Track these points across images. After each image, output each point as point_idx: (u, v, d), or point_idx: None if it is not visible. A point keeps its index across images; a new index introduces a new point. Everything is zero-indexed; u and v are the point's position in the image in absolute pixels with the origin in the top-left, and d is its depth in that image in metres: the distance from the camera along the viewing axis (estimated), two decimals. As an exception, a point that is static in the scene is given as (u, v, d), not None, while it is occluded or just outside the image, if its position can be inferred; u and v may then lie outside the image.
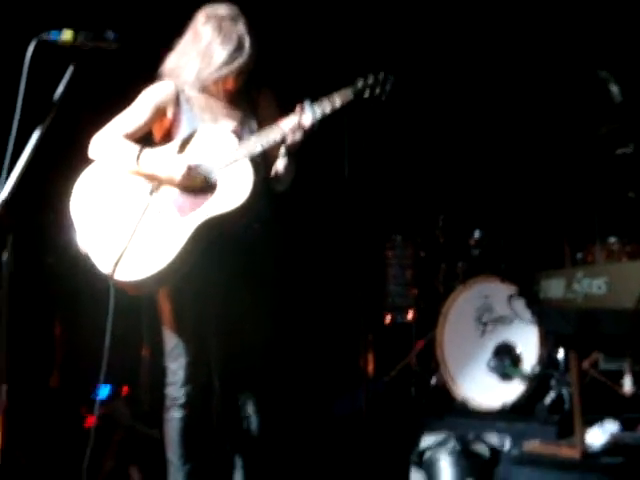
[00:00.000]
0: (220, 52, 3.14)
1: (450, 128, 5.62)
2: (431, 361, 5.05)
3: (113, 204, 3.17)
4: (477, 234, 5.14)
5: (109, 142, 3.16)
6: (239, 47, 3.15)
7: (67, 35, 2.82)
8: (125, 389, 5.00)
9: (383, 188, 5.63)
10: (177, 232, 3.06)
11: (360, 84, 3.11)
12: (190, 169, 3.09)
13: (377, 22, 5.44)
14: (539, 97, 5.29)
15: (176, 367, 3.21)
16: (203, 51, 3.16)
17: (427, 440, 4.14)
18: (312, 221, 5.43)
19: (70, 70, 2.82)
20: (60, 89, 2.80)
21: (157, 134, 3.27)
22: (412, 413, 4.84)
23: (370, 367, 5.35)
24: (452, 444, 3.96)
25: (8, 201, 2.68)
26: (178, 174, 3.09)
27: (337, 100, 3.09)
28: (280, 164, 3.24)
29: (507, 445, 4.08)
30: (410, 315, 5.38)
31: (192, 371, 3.20)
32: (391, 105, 3.12)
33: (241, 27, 3.17)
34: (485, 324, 4.79)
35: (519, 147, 5.38)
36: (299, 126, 3.10)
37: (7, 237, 2.71)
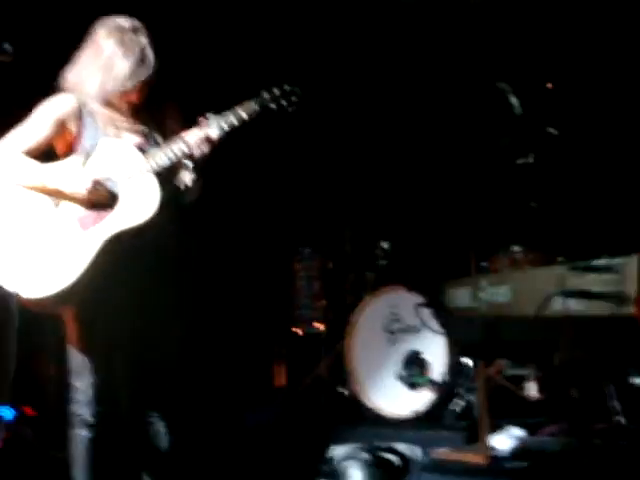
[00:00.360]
0: (123, 65, 3.10)
1: (356, 138, 5.66)
2: (342, 371, 5.06)
3: (14, 221, 3.09)
4: (384, 244, 5.19)
5: (7, 158, 3.08)
6: (142, 60, 3.12)
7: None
8: (28, 410, 4.87)
9: (290, 200, 5.64)
10: (82, 248, 3.01)
11: (265, 96, 3.10)
12: (96, 183, 3.04)
13: (282, 32, 5.45)
14: (442, 108, 5.37)
15: (82, 385, 3.15)
16: (105, 64, 3.12)
17: (337, 450, 4.15)
18: (221, 234, 5.39)
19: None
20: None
21: (59, 148, 3.20)
22: (323, 423, 4.84)
23: (282, 379, 5.34)
24: (363, 454, 3.98)
25: None
26: (83, 188, 3.04)
27: (242, 113, 3.07)
28: (187, 177, 3.21)
29: (418, 454, 4.12)
30: (320, 326, 5.39)
31: (99, 390, 3.14)
32: (299, 115, 3.13)
33: (143, 39, 3.14)
34: (393, 333, 4.83)
35: (424, 158, 5.45)
36: (204, 139, 3.08)
37: None
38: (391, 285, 4.92)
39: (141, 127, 3.21)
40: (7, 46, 2.85)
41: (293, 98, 3.10)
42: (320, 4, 5.37)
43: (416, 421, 4.61)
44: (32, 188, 3.09)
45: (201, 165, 3.17)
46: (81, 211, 3.07)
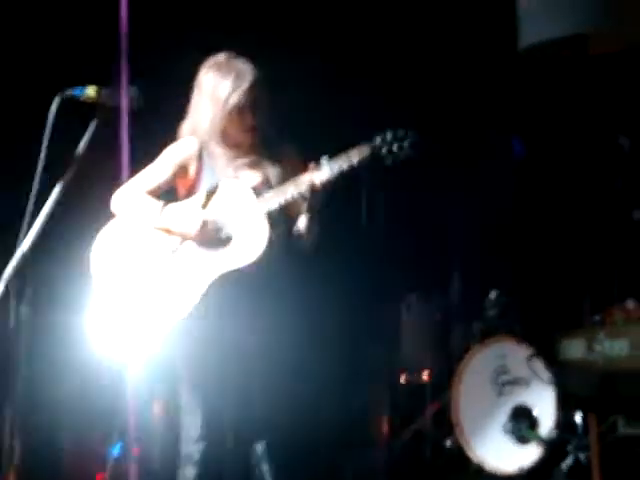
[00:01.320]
0: (223, 85, 3.17)
1: (463, 184, 5.61)
2: (446, 423, 4.99)
3: (133, 259, 3.19)
4: (493, 294, 5.11)
5: (130, 197, 3.20)
6: (240, 75, 3.18)
7: (90, 91, 2.85)
8: (136, 449, 4.94)
9: (399, 247, 5.61)
10: (192, 286, 3.06)
11: (378, 141, 3.08)
12: (205, 224, 3.10)
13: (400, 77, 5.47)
14: (553, 155, 5.30)
15: (191, 423, 3.18)
16: (210, 95, 3.20)
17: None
18: (328, 278, 5.40)
19: (92, 126, 2.84)
20: (82, 145, 2.82)
21: (181, 190, 3.31)
22: (427, 476, 4.77)
23: (386, 428, 5.28)
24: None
25: (27, 254, 2.69)
26: (193, 229, 3.11)
27: (354, 157, 3.07)
28: (301, 222, 3.23)
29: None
30: (425, 376, 5.33)
31: (207, 427, 3.17)
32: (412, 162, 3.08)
33: (239, 61, 3.22)
34: (501, 385, 4.74)
35: (537, 206, 5.37)
36: (317, 183, 3.09)
37: (26, 289, 2.71)
38: (499, 336, 4.84)
39: (260, 168, 3.26)
40: (135, 90, 2.93)
41: (406, 144, 3.06)
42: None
43: (522, 477, 4.50)
44: (144, 224, 3.20)
45: (316, 210, 3.18)
46: (195, 252, 3.13)
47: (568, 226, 4.95)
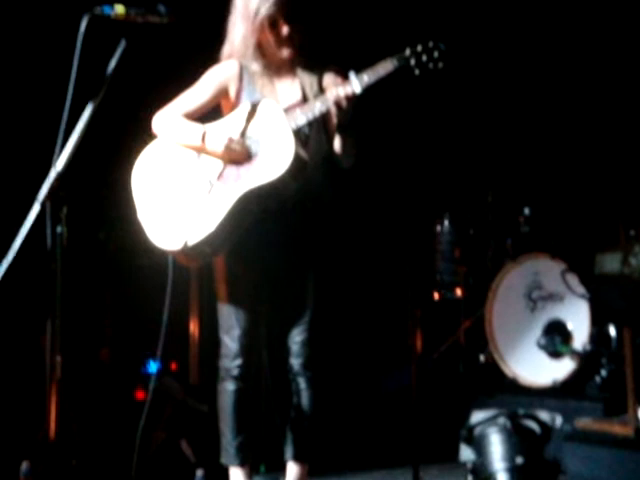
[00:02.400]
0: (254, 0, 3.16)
1: (500, 103, 5.55)
2: (480, 338, 5.02)
3: (170, 180, 3.23)
4: (526, 211, 5.08)
5: (169, 120, 3.24)
6: None
7: (119, 9, 2.84)
8: (174, 365, 5.04)
9: (432, 164, 5.58)
10: (220, 203, 3.10)
11: (407, 53, 3.05)
12: (231, 141, 3.11)
13: None
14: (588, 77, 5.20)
15: (229, 339, 3.24)
16: (242, 11, 3.21)
17: (477, 416, 4.10)
18: (362, 198, 5.40)
19: (122, 45, 2.83)
20: (112, 64, 2.81)
21: (225, 111, 3.33)
22: (461, 390, 4.81)
23: (419, 344, 5.33)
24: (502, 420, 3.92)
25: (63, 174, 2.71)
26: (220, 146, 3.13)
27: (381, 70, 3.03)
28: (336, 139, 3.22)
29: (558, 422, 4.04)
30: (459, 292, 5.35)
31: (245, 343, 3.23)
32: (442, 77, 3.06)
33: None
34: (535, 301, 4.74)
35: (570, 122, 5.30)
36: (344, 97, 3.06)
37: (61, 210, 2.73)
38: (533, 252, 4.83)
39: (299, 89, 3.26)
40: (162, 7, 2.91)
41: (436, 54, 3.01)
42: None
43: (556, 390, 4.53)
44: (181, 145, 3.23)
45: (347, 125, 3.16)
46: (223, 168, 3.15)
47: (603, 142, 4.89)
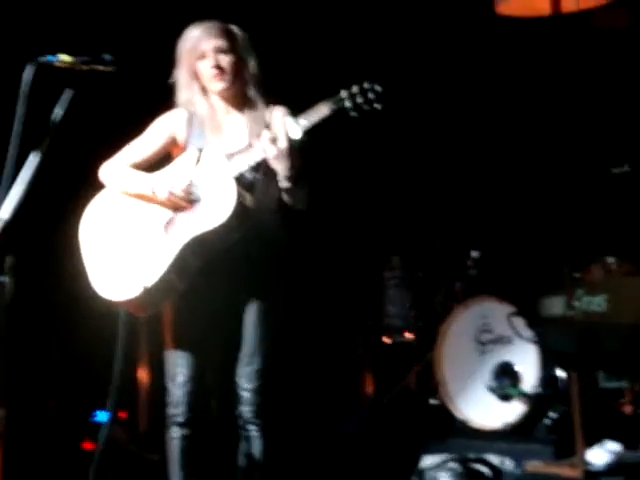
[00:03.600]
0: (190, 39, 3.19)
1: (446, 145, 5.61)
2: (430, 382, 5.03)
3: (118, 230, 3.22)
4: (474, 254, 5.14)
5: (116, 170, 3.25)
6: (205, 28, 3.18)
7: (64, 57, 2.85)
8: (123, 413, 4.98)
9: (380, 207, 5.62)
10: (166, 250, 3.08)
11: (343, 95, 2.96)
12: (173, 189, 3.11)
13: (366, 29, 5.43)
14: (533, 112, 5.30)
15: (173, 386, 3.21)
16: (179, 57, 3.22)
17: (428, 460, 4.12)
18: (312, 239, 5.42)
19: (67, 93, 2.84)
20: (58, 112, 2.81)
21: (175, 156, 3.31)
22: (412, 434, 4.81)
23: (370, 388, 5.33)
24: (453, 465, 3.94)
25: (8, 222, 2.69)
26: (163, 194, 3.12)
27: (315, 115, 2.97)
28: (282, 183, 3.18)
29: (508, 465, 4.06)
30: (409, 336, 5.36)
31: (189, 390, 3.19)
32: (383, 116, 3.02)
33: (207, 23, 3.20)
34: (484, 344, 4.78)
35: (516, 166, 5.38)
36: (279, 140, 3.00)
37: (7, 259, 2.70)
38: (482, 295, 4.87)
39: (247, 127, 3.23)
40: (107, 56, 2.93)
41: (371, 95, 2.92)
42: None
43: (507, 433, 4.55)
44: (129, 194, 3.23)
45: (290, 177, 3.09)
46: (168, 216, 3.15)
47: (548, 184, 4.97)
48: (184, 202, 3.12)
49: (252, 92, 3.25)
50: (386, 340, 5.46)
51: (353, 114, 2.95)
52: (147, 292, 3.06)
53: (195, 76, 3.23)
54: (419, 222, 5.63)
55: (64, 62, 2.85)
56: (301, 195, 3.19)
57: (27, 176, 2.74)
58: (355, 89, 2.97)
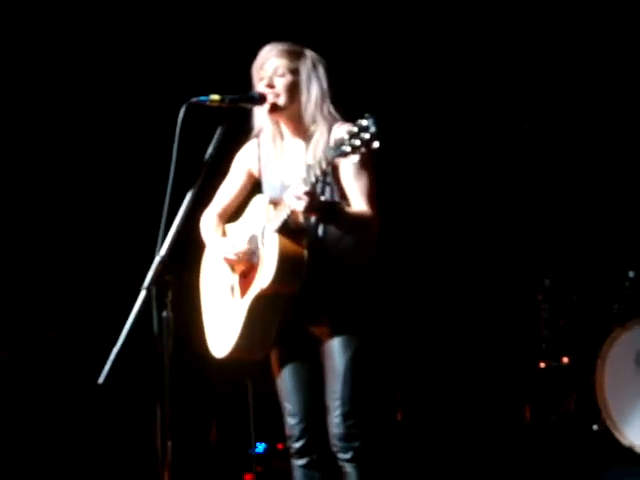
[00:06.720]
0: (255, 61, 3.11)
1: (605, 167, 5.47)
2: (591, 407, 4.88)
3: (214, 284, 3.26)
4: (631, 274, 4.98)
5: (204, 222, 3.27)
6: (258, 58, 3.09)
7: (215, 97, 2.93)
8: (280, 445, 5.02)
9: (532, 229, 5.53)
10: (237, 312, 3.06)
11: (344, 137, 2.68)
12: (227, 253, 3.11)
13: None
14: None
15: (288, 423, 3.16)
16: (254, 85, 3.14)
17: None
18: (462, 265, 5.37)
19: (220, 130, 2.92)
20: (210, 150, 2.89)
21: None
22: (572, 461, 4.69)
23: (527, 414, 5.21)
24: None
25: (166, 260, 2.77)
26: (228, 259, 3.13)
27: (317, 169, 2.77)
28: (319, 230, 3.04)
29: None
30: (565, 360, 5.23)
31: (299, 427, 3.13)
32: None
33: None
34: (647, 367, 4.62)
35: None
36: (298, 196, 2.81)
37: (167, 296, 2.78)
38: (641, 316, 4.70)
39: (305, 153, 3.09)
40: (256, 93, 3.00)
41: (366, 136, 2.61)
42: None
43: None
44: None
45: (324, 218, 2.95)
46: (240, 277, 3.13)
47: None
48: (248, 264, 3.08)
49: (309, 116, 3.08)
50: (542, 365, 5.34)
51: (353, 158, 2.68)
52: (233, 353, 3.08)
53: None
54: (572, 241, 5.50)
55: (213, 101, 2.93)
56: (335, 239, 3.01)
57: (183, 213, 2.82)
58: (347, 134, 2.68)
